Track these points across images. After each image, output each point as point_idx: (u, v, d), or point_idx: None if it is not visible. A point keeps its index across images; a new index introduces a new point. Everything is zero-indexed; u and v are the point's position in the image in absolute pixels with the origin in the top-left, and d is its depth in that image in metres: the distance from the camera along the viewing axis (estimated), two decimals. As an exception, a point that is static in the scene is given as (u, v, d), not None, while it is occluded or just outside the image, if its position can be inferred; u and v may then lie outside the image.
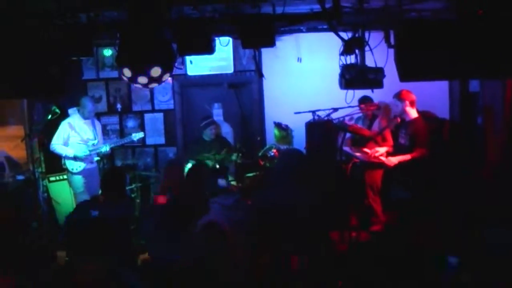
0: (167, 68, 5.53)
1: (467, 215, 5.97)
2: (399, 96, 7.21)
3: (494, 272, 4.39)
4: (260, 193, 5.52)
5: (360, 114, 8.01)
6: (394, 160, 7.13)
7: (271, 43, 5.93)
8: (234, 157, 8.33)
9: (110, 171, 6.92)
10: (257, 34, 5.82)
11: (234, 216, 5.31)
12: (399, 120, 7.38)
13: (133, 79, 5.52)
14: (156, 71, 5.43)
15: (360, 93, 7.67)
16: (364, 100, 7.89)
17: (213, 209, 5.38)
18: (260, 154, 8.40)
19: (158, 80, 5.54)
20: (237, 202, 5.51)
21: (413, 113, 7.22)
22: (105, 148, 8.15)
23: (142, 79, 5.49)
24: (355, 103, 7.62)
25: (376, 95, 7.53)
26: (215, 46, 6.20)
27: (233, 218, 5.26)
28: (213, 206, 5.44)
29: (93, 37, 6.12)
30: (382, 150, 7.39)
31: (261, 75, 7.81)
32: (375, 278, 4.40)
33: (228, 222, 5.14)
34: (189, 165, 8.34)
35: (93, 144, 8.08)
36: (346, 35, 6.64)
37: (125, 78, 5.61)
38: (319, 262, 4.81)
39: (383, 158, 7.23)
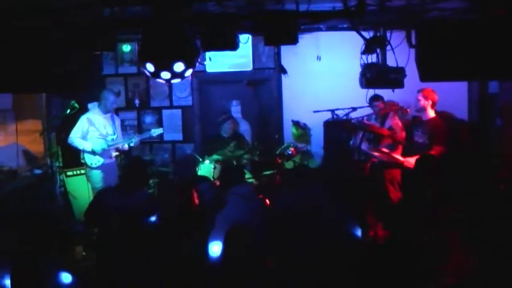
0: (190, 63, 5.58)
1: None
2: (424, 92, 7.20)
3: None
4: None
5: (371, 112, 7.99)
6: (412, 161, 7.05)
7: (293, 41, 5.94)
8: (247, 156, 8.39)
9: (132, 160, 7.08)
10: (280, 31, 5.83)
11: (252, 206, 5.36)
12: (408, 111, 7.40)
13: (156, 74, 5.57)
14: (179, 67, 5.47)
15: (379, 92, 7.66)
16: (376, 98, 7.85)
17: (232, 201, 5.38)
18: (277, 152, 8.40)
19: (181, 75, 5.59)
20: (251, 193, 5.54)
21: (431, 113, 7.25)
22: (134, 140, 8.16)
23: (165, 74, 5.54)
24: (376, 102, 7.64)
25: (397, 94, 7.49)
26: (239, 42, 6.23)
27: (252, 208, 5.31)
28: (232, 197, 5.43)
29: (117, 32, 6.16)
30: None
31: (284, 72, 7.79)
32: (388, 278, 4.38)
33: (248, 212, 5.22)
34: (206, 162, 8.43)
35: (113, 139, 8.09)
36: (367, 34, 6.62)
37: (147, 73, 5.66)
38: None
39: (401, 159, 7.20)
